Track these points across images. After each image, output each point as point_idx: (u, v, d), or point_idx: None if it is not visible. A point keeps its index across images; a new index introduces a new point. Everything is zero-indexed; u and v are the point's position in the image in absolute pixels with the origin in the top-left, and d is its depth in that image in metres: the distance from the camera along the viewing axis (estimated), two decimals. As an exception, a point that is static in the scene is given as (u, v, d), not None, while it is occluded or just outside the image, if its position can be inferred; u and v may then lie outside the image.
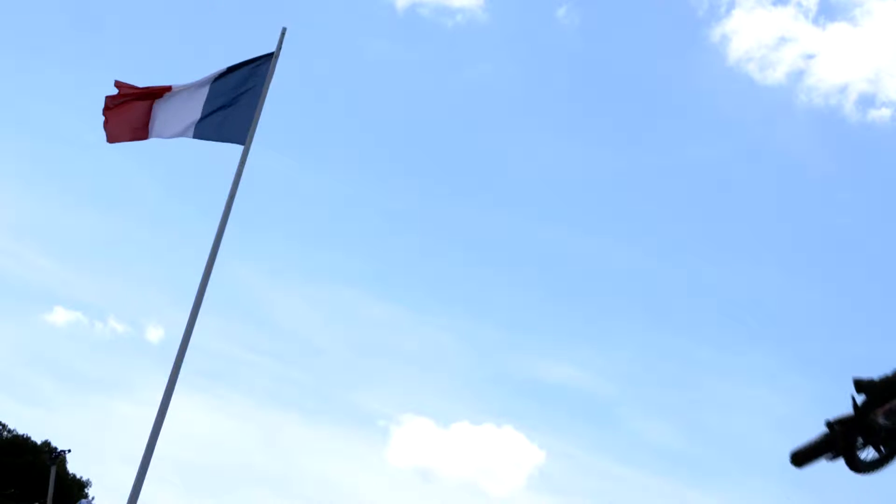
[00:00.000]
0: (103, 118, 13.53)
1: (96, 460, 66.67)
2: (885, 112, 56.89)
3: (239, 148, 13.34)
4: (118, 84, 13.46)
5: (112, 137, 13.50)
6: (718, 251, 62.57)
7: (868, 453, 6.79)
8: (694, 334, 63.15)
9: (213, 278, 12.86)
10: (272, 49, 13.70)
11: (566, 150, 64.28)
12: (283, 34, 13.83)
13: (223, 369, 64.58)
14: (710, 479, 58.40)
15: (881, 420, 6.69)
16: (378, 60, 62.82)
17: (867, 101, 62.67)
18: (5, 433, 45.00)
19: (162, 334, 58.66)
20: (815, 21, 59.83)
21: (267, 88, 13.51)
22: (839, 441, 6.70)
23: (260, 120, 13.41)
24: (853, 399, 6.67)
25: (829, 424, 6.77)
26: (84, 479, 45.61)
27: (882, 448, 6.79)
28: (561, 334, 64.66)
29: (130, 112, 13.45)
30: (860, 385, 6.76)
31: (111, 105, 13.48)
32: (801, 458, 6.92)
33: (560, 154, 64.69)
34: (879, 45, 57.18)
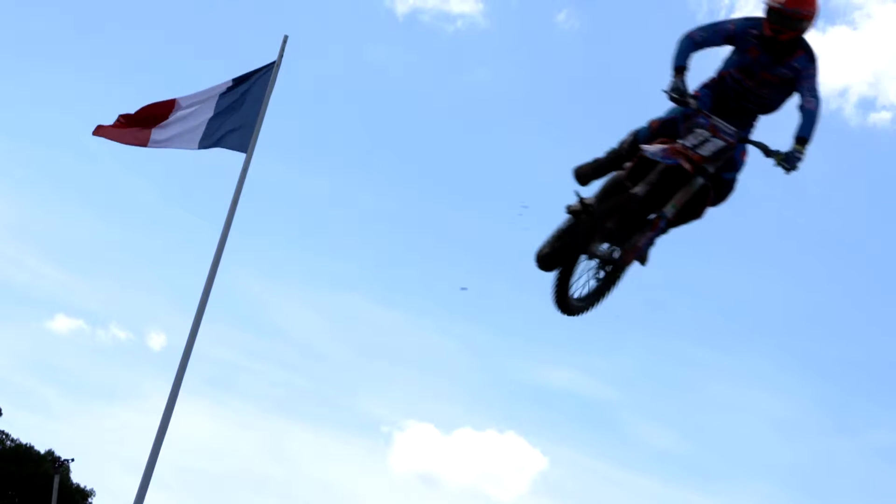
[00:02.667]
0: (98, 131, 13.51)
1: (100, 469, 66.70)
2: (886, 115, 56.79)
3: (241, 155, 13.39)
4: (121, 117, 13.40)
5: (103, 133, 13.45)
6: (718, 254, 62.51)
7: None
8: (694, 337, 63.11)
9: (216, 285, 12.90)
10: (274, 57, 13.76)
11: (567, 155, 64.27)
12: (284, 42, 13.89)
13: (225, 376, 64.61)
14: (712, 483, 58.32)
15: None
16: (379, 66, 62.90)
17: (867, 105, 62.63)
18: (8, 442, 44.98)
19: (164, 341, 58.60)
20: (815, 25, 59.76)
21: (269, 96, 13.55)
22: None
23: (262, 127, 13.45)
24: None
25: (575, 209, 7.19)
26: (88, 488, 45.56)
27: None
28: (563, 339, 64.62)
29: (133, 125, 13.43)
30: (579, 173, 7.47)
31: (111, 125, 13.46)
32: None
33: (560, 159, 64.69)
34: (880, 49, 57.18)
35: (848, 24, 56.61)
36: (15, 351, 60.23)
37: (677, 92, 6.96)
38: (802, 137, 6.94)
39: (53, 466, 37.40)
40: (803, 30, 7.00)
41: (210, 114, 13.49)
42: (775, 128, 7.27)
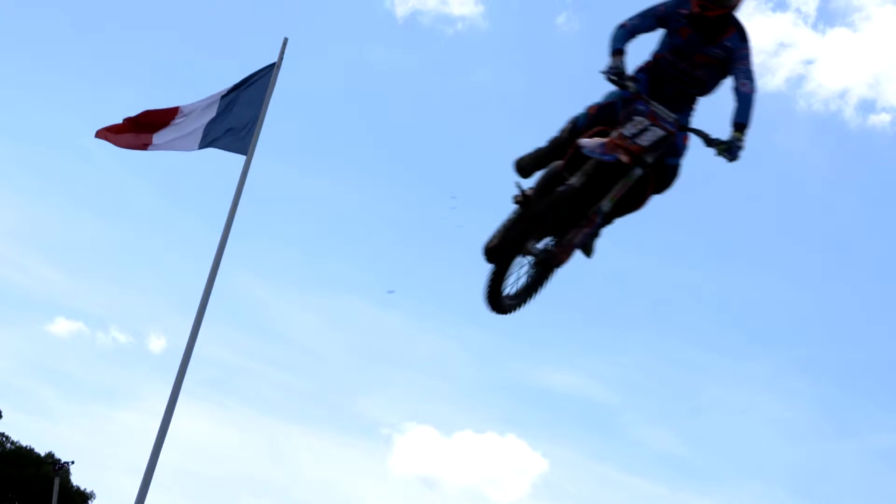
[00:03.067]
0: (100, 133, 13.50)
1: (100, 471, 66.69)
2: (886, 117, 56.80)
3: (241, 158, 13.38)
4: (126, 120, 13.40)
5: (105, 135, 13.45)
6: (719, 257, 62.54)
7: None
8: (695, 340, 63.13)
9: (216, 287, 12.88)
10: (274, 59, 13.75)
11: (567, 158, 64.18)
12: (284, 44, 13.89)
13: (226, 378, 64.57)
14: (712, 485, 58.28)
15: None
16: (379, 68, 62.90)
17: (867, 107, 62.52)
18: (8, 445, 44.95)
19: (164, 344, 58.59)
20: (815, 27, 59.66)
21: (269, 98, 13.55)
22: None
23: (262, 129, 13.45)
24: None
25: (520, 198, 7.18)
26: (88, 490, 45.52)
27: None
28: (563, 342, 64.59)
29: (134, 129, 13.42)
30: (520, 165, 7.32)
31: (112, 129, 13.45)
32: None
33: (561, 161, 64.59)
34: (879, 50, 57.19)
35: (848, 26, 56.65)
36: (15, 353, 60.19)
37: (616, 73, 6.82)
38: (740, 123, 6.79)
39: (54, 469, 37.40)
40: (732, 6, 6.86)
41: (212, 115, 13.49)
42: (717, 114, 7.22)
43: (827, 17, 60.70)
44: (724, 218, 62.93)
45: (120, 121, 13.49)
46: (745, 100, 6.82)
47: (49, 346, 60.67)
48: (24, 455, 44.22)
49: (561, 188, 6.74)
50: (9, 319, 62.12)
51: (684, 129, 6.87)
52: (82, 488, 45.32)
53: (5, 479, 42.18)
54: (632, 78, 6.88)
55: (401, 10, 58.55)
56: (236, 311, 58.67)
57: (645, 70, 7.09)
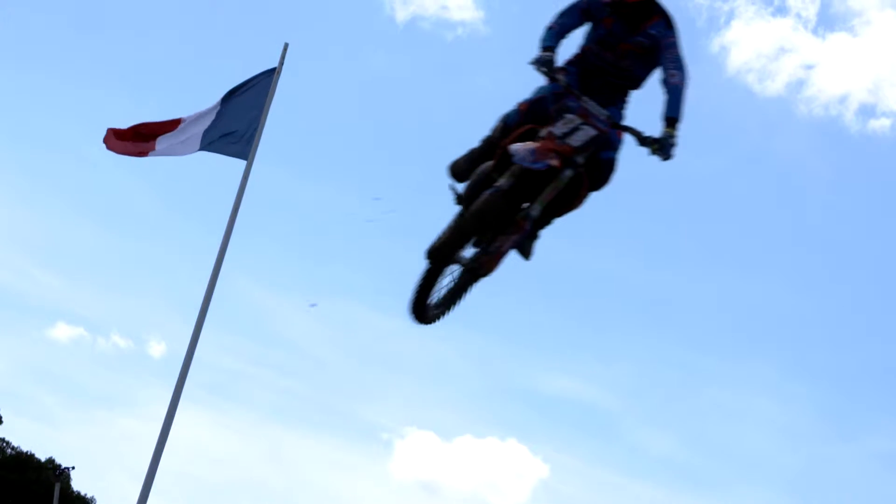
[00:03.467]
0: (104, 140, 13.51)
1: (100, 477, 66.58)
2: (886, 122, 56.89)
3: (242, 163, 13.39)
4: (130, 128, 13.41)
5: (110, 143, 13.48)
6: (718, 261, 62.55)
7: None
8: (695, 344, 63.07)
9: (216, 292, 12.88)
10: (274, 63, 13.77)
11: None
12: (285, 49, 13.90)
13: (226, 383, 64.60)
14: (712, 489, 58.22)
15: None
16: (379, 73, 62.94)
17: (867, 111, 62.66)
18: (9, 450, 44.93)
19: (164, 349, 58.62)
20: (815, 31, 59.74)
21: (269, 103, 13.56)
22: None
23: (262, 134, 13.45)
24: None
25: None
26: (88, 496, 45.53)
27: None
28: (563, 347, 64.56)
29: (135, 137, 13.43)
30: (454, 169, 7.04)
31: (114, 136, 13.46)
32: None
33: (561, 166, 64.59)
34: (879, 55, 57.23)
35: (848, 31, 56.71)
36: (16, 359, 60.11)
37: (544, 64, 6.59)
38: (671, 118, 6.55)
39: (54, 474, 37.44)
40: None
41: (211, 119, 13.50)
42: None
43: (827, 22, 60.76)
44: (724, 222, 62.95)
45: (125, 126, 13.49)
46: (674, 92, 6.62)
47: (50, 351, 60.72)
48: (25, 460, 44.19)
49: (487, 192, 6.47)
50: (9, 324, 62.09)
51: (616, 126, 6.60)
52: (83, 494, 45.31)
53: (6, 485, 42.14)
54: (562, 69, 6.71)
55: (401, 15, 58.62)
56: (237, 317, 58.74)
57: (574, 63, 6.90)
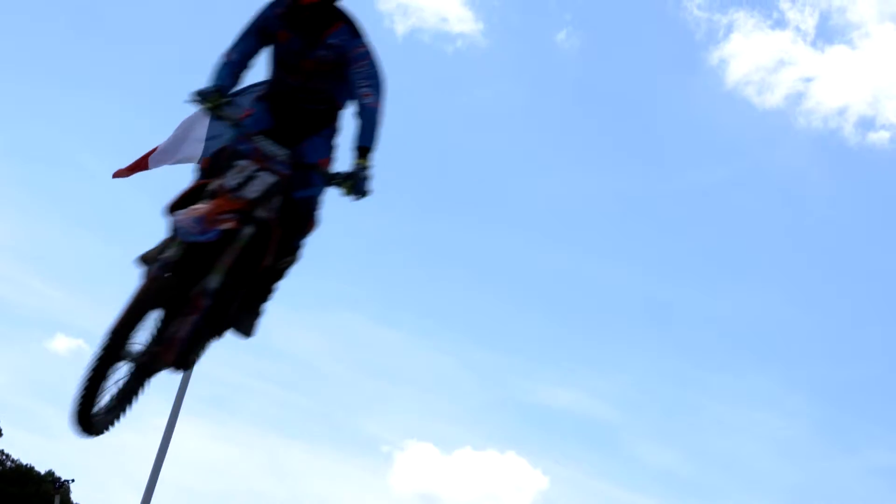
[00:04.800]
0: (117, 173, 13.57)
1: (100, 489, 66.45)
2: (885, 135, 56.85)
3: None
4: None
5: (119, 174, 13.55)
6: (719, 275, 62.55)
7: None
8: (695, 357, 63.01)
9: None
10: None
11: (568, 174, 64.41)
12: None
13: (226, 395, 64.51)
14: (713, 503, 58.17)
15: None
16: (379, 87, 63.04)
17: (866, 124, 62.58)
18: (8, 463, 44.93)
19: (165, 362, 58.60)
20: (814, 44, 59.85)
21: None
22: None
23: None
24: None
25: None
26: (88, 508, 45.49)
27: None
28: (563, 359, 64.57)
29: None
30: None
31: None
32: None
33: (561, 178, 64.85)
34: (878, 68, 57.31)
35: (847, 43, 56.81)
36: (15, 371, 60.11)
37: (208, 100, 5.65)
38: (363, 147, 5.63)
39: (54, 487, 37.39)
40: None
41: (206, 127, 13.52)
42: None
43: (826, 35, 60.89)
44: (723, 234, 63.00)
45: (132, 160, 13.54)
46: (367, 115, 5.67)
47: (49, 363, 60.67)
48: (25, 473, 44.19)
49: (149, 269, 5.36)
50: (8, 337, 62.09)
51: (301, 167, 5.63)
52: (82, 506, 45.27)
53: (6, 498, 42.12)
54: (226, 101, 5.70)
55: (400, 28, 58.75)
56: (237, 329, 58.62)
57: (264, 97, 5.96)
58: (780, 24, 61.17)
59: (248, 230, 5.35)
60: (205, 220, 5.19)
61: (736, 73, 61.52)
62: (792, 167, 59.97)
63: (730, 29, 61.77)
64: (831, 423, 60.18)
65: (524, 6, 61.67)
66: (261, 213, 5.41)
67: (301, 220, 5.76)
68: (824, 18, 57.14)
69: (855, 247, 60.39)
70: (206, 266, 5.35)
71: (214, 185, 5.40)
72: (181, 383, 12.55)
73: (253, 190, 5.37)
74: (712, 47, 64.08)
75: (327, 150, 5.89)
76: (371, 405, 64.28)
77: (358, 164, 5.57)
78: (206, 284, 5.35)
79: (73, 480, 40.12)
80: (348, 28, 5.73)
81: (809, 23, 57.87)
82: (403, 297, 63.60)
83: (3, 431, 45.12)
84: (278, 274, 5.90)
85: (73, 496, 44.41)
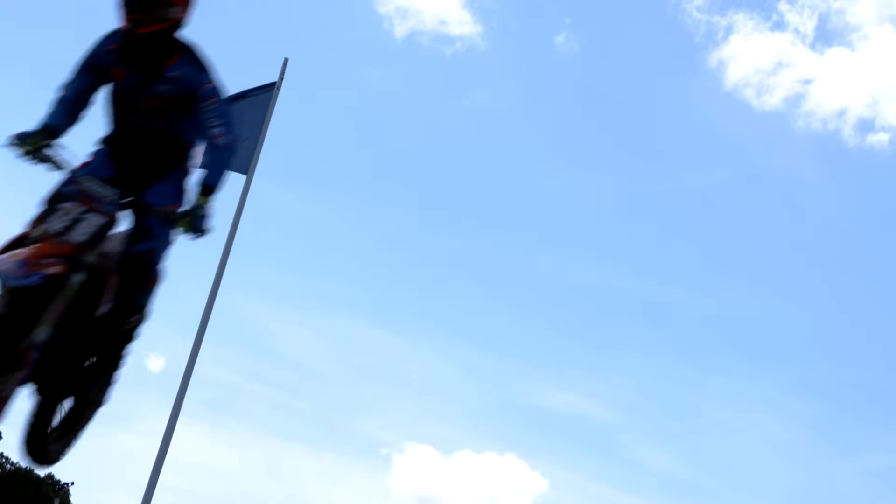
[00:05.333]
0: None
1: (100, 492, 66.43)
2: (884, 136, 57.02)
3: (241, 177, 13.40)
4: None
5: None
6: (718, 277, 62.56)
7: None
8: (694, 359, 63.05)
9: (215, 307, 12.88)
10: (274, 78, 13.79)
11: (566, 177, 64.47)
12: (284, 64, 13.92)
13: (225, 398, 64.51)
14: (713, 506, 58.13)
15: None
16: (378, 88, 63.15)
17: (865, 126, 62.76)
18: (8, 465, 44.87)
19: (163, 364, 58.59)
20: (813, 46, 59.99)
21: (269, 118, 13.58)
22: None
23: (262, 149, 13.47)
24: None
25: None
26: (87, 511, 45.44)
27: None
28: (562, 362, 64.58)
29: None
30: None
31: None
32: None
33: (560, 180, 64.87)
34: (877, 70, 57.40)
35: (846, 45, 56.90)
36: (15, 374, 60.02)
37: (25, 140, 5.14)
38: (207, 185, 5.25)
39: (53, 490, 37.38)
40: (169, 19, 5.21)
41: None
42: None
43: (825, 37, 60.98)
44: (722, 236, 62.98)
45: None
46: (216, 154, 5.32)
47: (49, 366, 60.57)
48: (24, 476, 44.12)
49: None
50: (9, 340, 61.99)
51: (139, 211, 5.28)
52: (82, 509, 45.22)
53: (5, 501, 42.07)
54: (45, 144, 5.18)
55: (400, 31, 58.84)
56: (236, 332, 58.72)
57: (109, 140, 5.50)
58: (780, 26, 61.33)
59: (77, 277, 4.93)
60: (28, 264, 4.76)
61: (735, 74, 61.71)
62: (791, 169, 60.04)
63: (729, 31, 61.96)
64: (830, 425, 60.22)
65: (523, 9, 61.78)
66: (90, 258, 5.00)
67: (141, 276, 5.33)
68: (823, 20, 57.26)
69: (854, 248, 60.43)
70: (33, 317, 4.85)
71: (38, 230, 4.97)
72: (180, 386, 12.51)
73: (80, 233, 4.96)
74: (711, 49, 64.24)
75: (175, 196, 5.44)
76: (370, 408, 64.36)
77: (198, 201, 5.22)
78: (33, 337, 4.83)
79: (72, 483, 40.06)
80: (190, 60, 5.32)
81: (808, 25, 58.07)
82: (402, 300, 63.61)
83: (2, 434, 45.10)
84: (126, 337, 5.46)
85: (73, 499, 44.38)
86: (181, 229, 5.21)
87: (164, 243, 5.37)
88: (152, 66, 5.26)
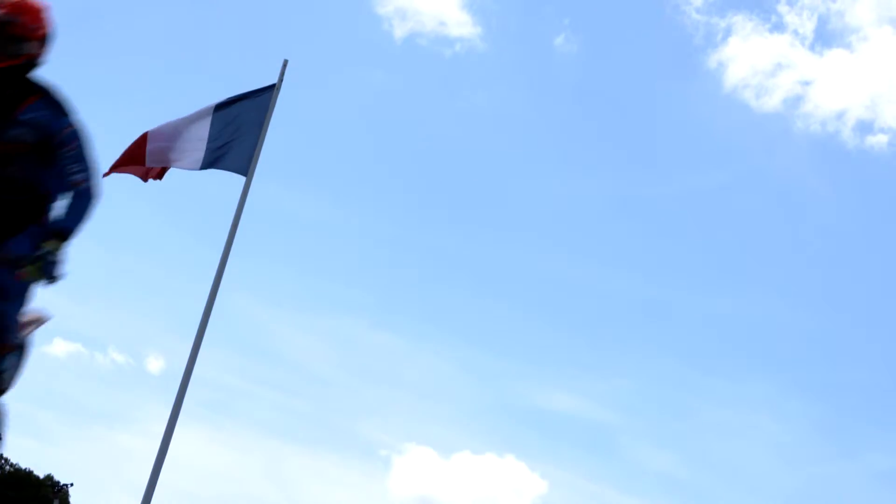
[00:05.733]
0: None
1: (99, 493, 66.40)
2: (883, 138, 56.98)
3: (241, 178, 13.40)
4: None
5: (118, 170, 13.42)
6: (717, 278, 62.55)
7: None
8: (694, 362, 63.04)
9: (215, 308, 12.87)
10: (274, 80, 13.79)
11: (566, 178, 64.46)
12: (284, 66, 13.92)
13: (225, 400, 64.50)
14: (713, 507, 58.11)
15: None
16: (378, 90, 63.17)
17: (865, 127, 62.77)
18: (7, 467, 44.84)
19: (162, 365, 58.72)
20: (812, 48, 59.97)
21: (269, 119, 13.58)
22: None
23: (262, 150, 13.47)
24: None
25: None
26: (86, 512, 45.41)
27: None
28: (562, 363, 64.57)
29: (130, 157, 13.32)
30: None
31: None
32: None
33: (560, 181, 64.85)
34: (876, 71, 57.39)
35: (845, 47, 56.87)
36: (14, 375, 60.03)
37: None
38: (60, 230, 4.78)
39: (53, 491, 37.36)
40: (23, 55, 4.79)
41: (207, 131, 13.45)
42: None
43: (824, 39, 60.97)
44: (722, 238, 62.96)
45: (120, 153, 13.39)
46: (75, 197, 4.85)
47: (47, 367, 60.65)
48: (24, 477, 44.11)
49: None
50: (8, 341, 61.99)
51: None
52: (81, 511, 45.20)
53: (5, 502, 42.05)
54: None
55: (399, 32, 58.83)
56: (236, 333, 58.73)
57: None
58: (779, 27, 61.34)
59: None
60: None
61: (734, 76, 61.71)
62: (790, 170, 60.04)
63: (728, 32, 61.92)
64: (830, 426, 60.21)
65: (522, 10, 61.80)
66: None
67: None
68: (822, 22, 57.24)
69: (853, 250, 60.41)
70: None
71: None
72: (180, 387, 12.50)
73: None
74: (710, 51, 64.20)
75: (30, 247, 4.86)
76: (370, 409, 64.34)
77: (48, 245, 4.74)
78: None
79: (71, 485, 40.04)
80: (48, 102, 4.86)
81: (808, 26, 58.01)
82: (402, 301, 63.59)
83: (2, 436, 45.05)
84: None
85: (72, 500, 44.37)
86: (29, 276, 4.76)
87: (18, 304, 4.87)
88: (4, 108, 4.77)
